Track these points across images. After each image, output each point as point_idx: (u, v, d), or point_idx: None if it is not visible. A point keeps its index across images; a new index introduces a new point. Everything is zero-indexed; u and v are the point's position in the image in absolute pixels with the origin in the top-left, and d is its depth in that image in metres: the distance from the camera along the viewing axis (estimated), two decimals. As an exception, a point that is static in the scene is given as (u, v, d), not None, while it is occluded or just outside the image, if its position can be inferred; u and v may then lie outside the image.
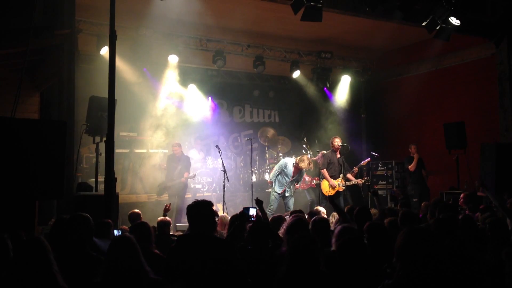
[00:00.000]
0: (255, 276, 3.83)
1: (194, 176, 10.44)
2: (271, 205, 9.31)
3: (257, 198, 5.44)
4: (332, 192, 9.62)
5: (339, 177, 9.65)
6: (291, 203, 9.36)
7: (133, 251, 3.16)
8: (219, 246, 3.54)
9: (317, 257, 3.27)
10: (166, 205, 6.81)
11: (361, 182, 9.75)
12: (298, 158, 9.41)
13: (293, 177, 9.38)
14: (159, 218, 6.01)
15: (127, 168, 10.96)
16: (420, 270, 2.55)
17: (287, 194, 9.42)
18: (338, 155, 9.80)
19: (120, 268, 3.05)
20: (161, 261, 3.89)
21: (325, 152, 10.14)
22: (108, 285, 3.02)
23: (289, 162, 9.49)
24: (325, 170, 9.72)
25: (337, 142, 9.78)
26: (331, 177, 9.67)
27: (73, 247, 3.75)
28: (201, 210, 3.67)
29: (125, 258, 3.08)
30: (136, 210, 6.71)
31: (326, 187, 9.71)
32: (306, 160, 9.31)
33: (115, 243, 3.24)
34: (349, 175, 9.73)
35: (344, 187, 9.63)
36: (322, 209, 7.19)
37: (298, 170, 9.40)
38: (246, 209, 4.42)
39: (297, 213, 5.80)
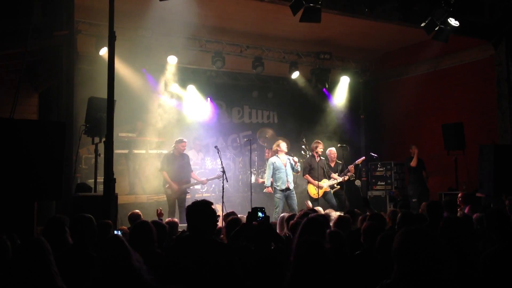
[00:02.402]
0: (256, 277, 3.83)
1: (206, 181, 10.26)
2: (277, 207, 9.31)
3: None
4: (320, 194, 9.64)
5: (323, 179, 9.74)
6: (295, 204, 9.32)
7: (123, 251, 3.09)
8: (217, 250, 3.52)
9: (323, 265, 3.13)
10: (158, 210, 6.79)
11: (345, 179, 9.81)
12: (275, 148, 9.64)
13: (285, 165, 9.42)
14: (168, 219, 5.98)
15: (132, 169, 10.97)
16: (417, 271, 2.56)
17: (291, 187, 9.40)
18: (318, 159, 9.78)
19: (111, 268, 2.99)
20: (163, 260, 3.85)
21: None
22: (99, 285, 2.98)
23: (273, 158, 9.66)
24: (307, 175, 9.80)
25: (316, 147, 9.79)
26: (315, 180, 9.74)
27: (75, 248, 3.74)
28: (202, 210, 3.67)
29: (114, 259, 3.02)
30: (136, 211, 6.69)
31: (312, 190, 9.75)
32: (279, 143, 9.54)
33: (106, 243, 3.18)
34: (333, 175, 9.80)
35: (336, 186, 9.71)
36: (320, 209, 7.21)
37: (285, 155, 9.52)
38: (255, 210, 4.42)
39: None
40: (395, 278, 2.61)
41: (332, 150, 10.34)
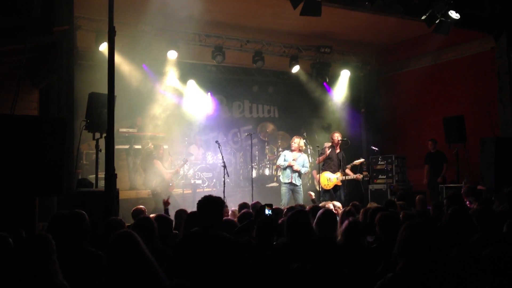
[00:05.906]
0: (258, 271, 3.83)
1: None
2: (282, 199, 9.33)
3: None
4: (331, 186, 9.62)
5: (338, 171, 9.65)
6: (300, 198, 9.33)
7: (138, 246, 3.10)
8: (229, 245, 3.55)
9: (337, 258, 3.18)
10: (164, 199, 6.82)
11: (360, 177, 9.75)
12: (292, 142, 9.69)
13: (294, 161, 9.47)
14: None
15: (132, 165, 10.98)
16: (424, 264, 2.56)
17: (297, 183, 9.39)
18: (338, 150, 9.78)
19: (126, 266, 2.98)
20: (166, 256, 3.85)
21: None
22: (114, 284, 2.97)
23: (286, 151, 9.77)
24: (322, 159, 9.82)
25: (337, 136, 9.78)
26: (330, 171, 9.69)
27: (70, 244, 3.74)
28: (216, 204, 3.73)
29: (128, 255, 3.02)
30: (140, 206, 6.69)
31: (324, 181, 9.70)
32: (293, 140, 9.64)
33: (117, 239, 3.19)
34: (347, 170, 9.72)
35: (342, 181, 9.66)
36: (338, 204, 7.15)
37: (298, 153, 9.55)
38: (263, 207, 4.44)
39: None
40: (402, 270, 2.62)
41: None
